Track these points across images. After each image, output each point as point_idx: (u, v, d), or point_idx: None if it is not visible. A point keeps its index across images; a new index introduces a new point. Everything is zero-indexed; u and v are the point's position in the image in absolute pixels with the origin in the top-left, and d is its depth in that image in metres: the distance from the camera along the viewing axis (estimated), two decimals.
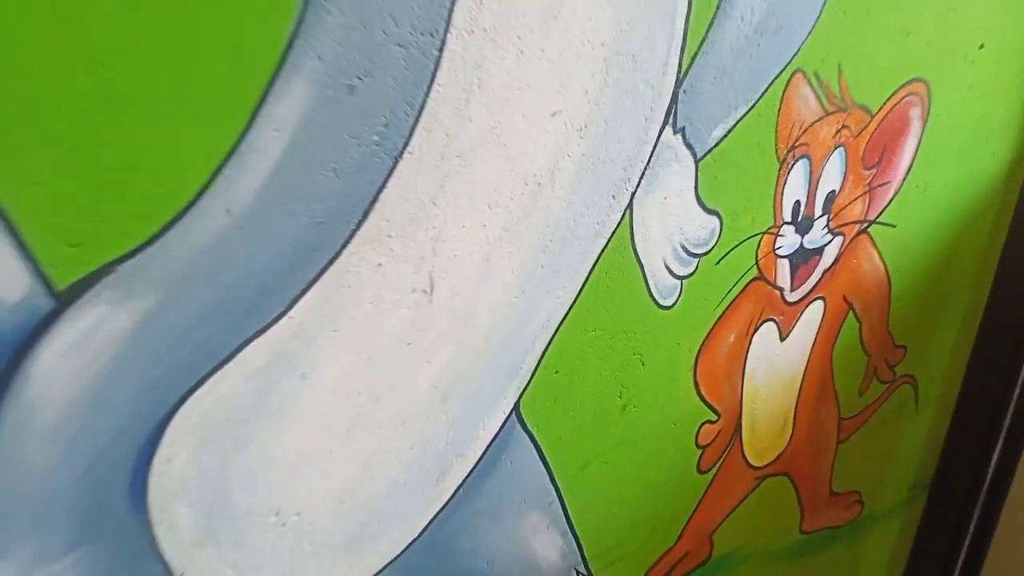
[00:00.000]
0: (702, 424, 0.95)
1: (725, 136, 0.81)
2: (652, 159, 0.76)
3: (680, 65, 0.74)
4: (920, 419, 1.27)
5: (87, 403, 0.54)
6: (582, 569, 0.91)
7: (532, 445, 0.80)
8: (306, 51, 0.54)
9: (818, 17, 0.83)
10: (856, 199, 0.98)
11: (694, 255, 0.84)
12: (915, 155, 1.01)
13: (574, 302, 0.77)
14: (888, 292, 1.08)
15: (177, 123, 0.51)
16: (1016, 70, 1.09)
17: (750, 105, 0.81)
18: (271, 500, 0.65)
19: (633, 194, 0.76)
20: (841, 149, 0.92)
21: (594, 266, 0.77)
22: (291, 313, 0.60)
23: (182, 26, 0.50)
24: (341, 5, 0.55)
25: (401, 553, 0.74)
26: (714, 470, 0.99)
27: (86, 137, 0.49)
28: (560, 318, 0.76)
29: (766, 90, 0.82)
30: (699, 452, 0.96)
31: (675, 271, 0.84)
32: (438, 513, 0.76)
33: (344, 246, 0.61)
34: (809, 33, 0.82)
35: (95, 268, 0.51)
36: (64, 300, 0.51)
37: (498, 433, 0.77)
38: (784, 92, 0.83)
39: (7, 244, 0.48)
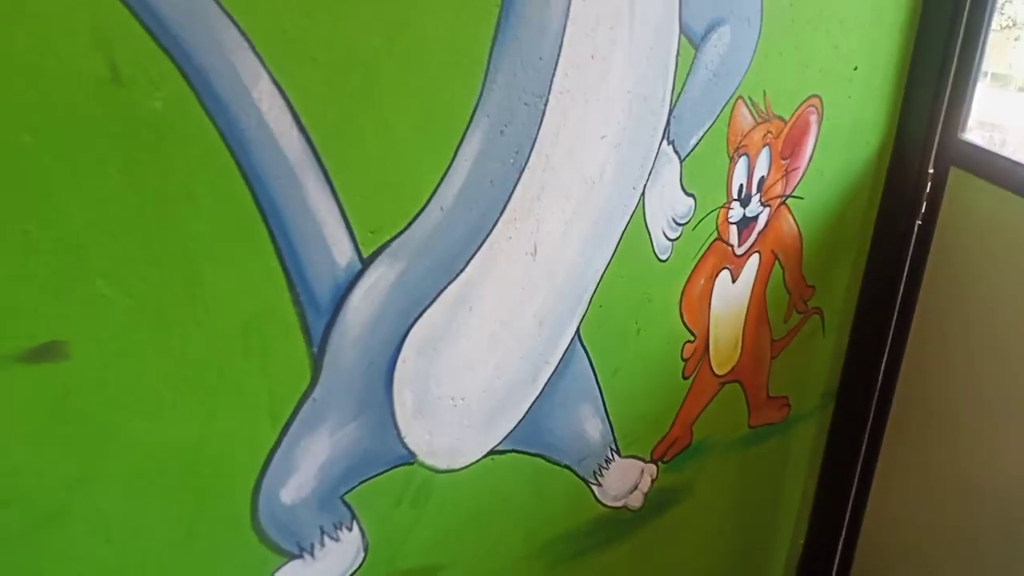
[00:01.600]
0: (684, 343, 1.42)
1: (697, 144, 1.27)
2: (655, 162, 1.22)
3: (672, 100, 1.20)
4: (827, 342, 1.79)
5: (370, 325, 0.95)
6: (613, 447, 1.37)
7: (586, 357, 1.25)
8: (482, 113, 0.97)
9: (750, 62, 1.30)
10: (777, 181, 1.46)
11: (680, 225, 1.31)
12: (815, 148, 1.50)
13: (611, 259, 1.22)
14: (800, 245, 1.58)
15: (419, 160, 0.93)
16: (879, 83, 1.59)
17: (711, 123, 1.28)
18: (450, 389, 1.07)
19: (645, 185, 1.22)
20: (767, 147, 1.40)
21: (622, 234, 1.22)
22: (466, 269, 1.03)
23: (425, 105, 0.92)
24: (500, 84, 0.97)
25: (512, 429, 1.18)
26: (693, 377, 1.47)
27: (378, 171, 0.90)
28: (603, 269, 1.21)
29: (720, 112, 1.29)
30: (683, 363, 1.43)
31: (668, 236, 1.30)
32: (533, 403, 1.20)
33: (493, 227, 1.04)
34: (745, 72, 1.30)
35: (380, 244, 0.93)
36: (365, 263, 0.92)
37: (567, 348, 1.21)
38: (731, 113, 1.30)
39: (344, 231, 0.89)
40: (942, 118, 1.61)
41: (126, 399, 0.80)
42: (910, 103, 1.64)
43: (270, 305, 0.86)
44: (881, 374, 1.88)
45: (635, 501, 1.47)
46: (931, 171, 1.65)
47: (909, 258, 1.75)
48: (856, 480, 1.96)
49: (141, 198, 0.75)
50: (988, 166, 1.57)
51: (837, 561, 2.02)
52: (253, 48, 0.76)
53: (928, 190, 1.67)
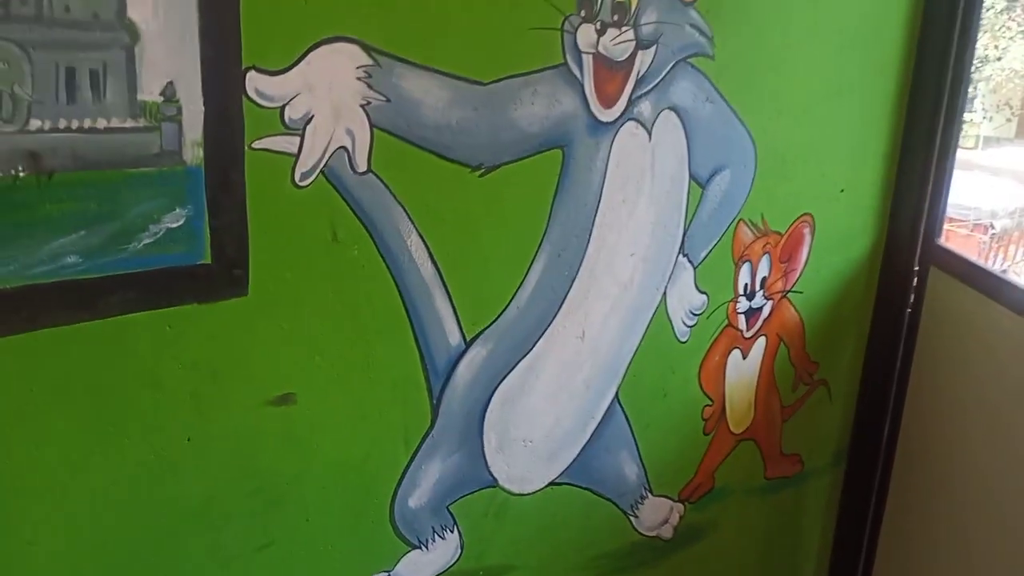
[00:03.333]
0: (704, 406, 1.95)
1: (708, 255, 1.82)
2: (674, 269, 1.77)
3: (685, 226, 1.76)
4: (834, 409, 2.28)
5: (470, 386, 1.52)
6: (647, 487, 1.89)
7: (623, 414, 1.79)
8: (546, 243, 1.55)
9: (748, 193, 1.85)
10: (778, 279, 2.00)
11: (696, 315, 1.85)
12: (809, 252, 2.04)
13: (641, 341, 1.77)
14: (802, 330, 2.10)
15: (504, 277, 1.51)
16: (866, 200, 2.11)
17: (718, 239, 1.83)
18: (522, 433, 1.63)
19: (666, 287, 1.77)
20: (768, 255, 1.95)
21: (649, 323, 1.77)
22: (534, 348, 1.59)
23: (509, 243, 1.50)
24: (558, 224, 1.55)
25: (568, 466, 1.73)
26: (713, 433, 1.99)
27: (478, 285, 1.48)
28: (635, 348, 1.76)
29: (725, 231, 1.84)
30: (703, 422, 1.96)
31: (687, 324, 1.84)
32: (583, 447, 1.74)
33: (553, 318, 1.60)
34: (744, 202, 1.85)
35: (478, 331, 1.50)
36: (468, 344, 1.50)
37: (609, 407, 1.76)
38: (735, 231, 1.85)
39: (456, 324, 1.47)
40: (923, 227, 2.12)
41: (325, 428, 1.39)
42: (896, 215, 2.15)
43: (409, 371, 1.44)
44: (885, 438, 2.35)
45: (666, 532, 1.98)
46: (916, 268, 2.15)
47: (903, 339, 2.24)
48: (868, 530, 2.42)
49: (342, 306, 1.34)
50: (956, 267, 2.08)
51: None
52: (409, 216, 1.36)
53: (915, 284, 2.17)
